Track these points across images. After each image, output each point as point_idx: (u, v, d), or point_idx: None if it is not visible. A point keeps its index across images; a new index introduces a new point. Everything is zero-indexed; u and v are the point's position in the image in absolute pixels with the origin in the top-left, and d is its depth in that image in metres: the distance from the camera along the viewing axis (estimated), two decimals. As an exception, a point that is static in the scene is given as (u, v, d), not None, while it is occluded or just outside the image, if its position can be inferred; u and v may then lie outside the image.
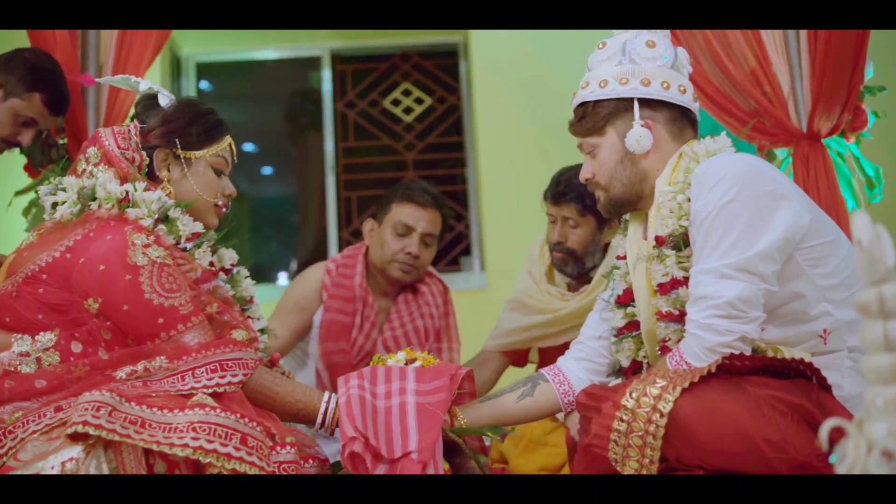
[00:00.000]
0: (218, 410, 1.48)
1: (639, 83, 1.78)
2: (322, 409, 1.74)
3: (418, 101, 4.87)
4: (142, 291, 1.61)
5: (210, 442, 1.43)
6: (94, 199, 1.69)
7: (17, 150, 2.66)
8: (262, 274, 4.93)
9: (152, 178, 1.81)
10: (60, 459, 1.40)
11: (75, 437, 1.41)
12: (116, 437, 1.41)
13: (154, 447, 1.42)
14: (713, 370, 1.49)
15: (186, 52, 4.80)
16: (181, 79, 4.80)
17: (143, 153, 1.80)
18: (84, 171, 1.76)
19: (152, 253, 1.63)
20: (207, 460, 1.43)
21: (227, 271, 1.90)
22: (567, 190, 2.53)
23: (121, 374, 1.57)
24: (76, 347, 1.61)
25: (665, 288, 1.74)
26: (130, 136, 1.81)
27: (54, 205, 1.72)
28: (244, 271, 1.93)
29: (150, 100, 1.87)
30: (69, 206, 1.70)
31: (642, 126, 1.77)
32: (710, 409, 1.46)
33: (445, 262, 4.66)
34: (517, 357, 2.77)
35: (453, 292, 2.93)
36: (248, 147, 5.31)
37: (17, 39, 2.81)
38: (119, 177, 1.74)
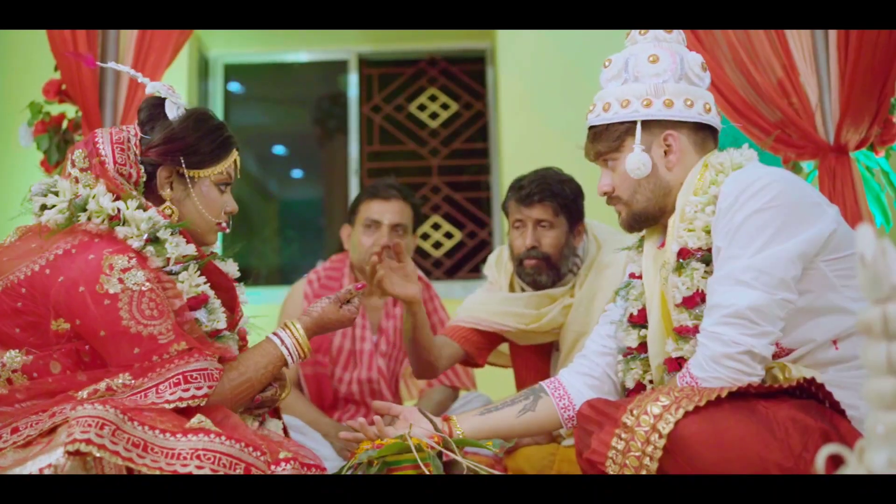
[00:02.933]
0: (222, 437, 1.45)
1: (640, 105, 1.74)
2: (285, 352, 1.71)
3: (444, 106, 4.84)
4: (119, 318, 1.53)
5: (215, 471, 1.41)
6: (84, 210, 1.61)
7: (33, 146, 2.67)
8: (286, 276, 4.94)
9: (151, 193, 1.71)
10: (38, 465, 1.35)
11: (74, 454, 1.35)
12: (119, 461, 1.36)
13: (158, 474, 1.39)
14: (723, 395, 1.43)
15: (214, 53, 4.82)
16: (209, 80, 4.82)
17: (142, 168, 1.69)
18: (69, 175, 1.66)
19: (132, 278, 1.55)
20: None
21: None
22: (538, 189, 2.41)
23: (82, 394, 1.50)
24: (55, 368, 1.56)
25: (691, 301, 1.68)
26: (130, 148, 1.69)
27: (43, 206, 1.64)
28: (243, 288, 1.84)
29: (156, 108, 1.73)
30: (57, 212, 1.62)
31: (644, 150, 1.73)
32: (718, 430, 1.42)
33: (468, 270, 4.62)
34: (479, 348, 2.49)
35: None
36: (279, 150, 5.32)
37: (36, 38, 2.84)
38: (111, 190, 1.64)
